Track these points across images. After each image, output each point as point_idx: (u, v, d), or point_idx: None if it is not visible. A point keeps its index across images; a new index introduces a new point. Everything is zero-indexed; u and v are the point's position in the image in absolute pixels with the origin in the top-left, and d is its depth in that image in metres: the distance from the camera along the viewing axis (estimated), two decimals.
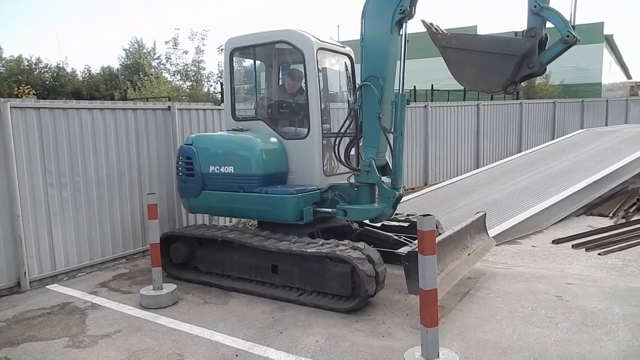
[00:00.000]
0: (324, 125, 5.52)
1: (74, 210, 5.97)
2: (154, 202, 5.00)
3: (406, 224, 5.85)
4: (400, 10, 4.65)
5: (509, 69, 4.18)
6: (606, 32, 28.23)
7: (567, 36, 3.97)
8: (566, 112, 16.50)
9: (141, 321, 4.54)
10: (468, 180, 10.16)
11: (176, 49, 21.20)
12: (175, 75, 22.51)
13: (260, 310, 4.72)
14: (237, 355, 3.82)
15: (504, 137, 14.14)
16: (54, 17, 63.61)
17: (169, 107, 7.15)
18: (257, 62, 6.14)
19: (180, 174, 5.86)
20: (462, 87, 17.99)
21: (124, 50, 37.63)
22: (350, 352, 3.81)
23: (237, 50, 5.93)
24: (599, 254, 6.21)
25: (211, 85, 22.73)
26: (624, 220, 7.88)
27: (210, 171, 5.56)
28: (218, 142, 5.77)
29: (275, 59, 6.29)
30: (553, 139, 14.33)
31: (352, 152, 5.43)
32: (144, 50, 37.24)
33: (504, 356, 3.66)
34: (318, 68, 5.34)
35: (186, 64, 21.50)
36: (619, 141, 11.54)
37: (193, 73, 21.69)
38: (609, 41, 29.68)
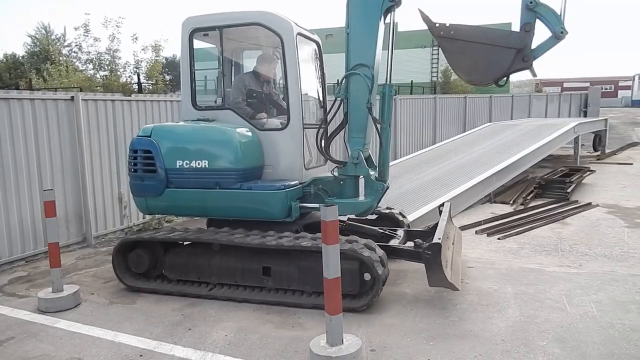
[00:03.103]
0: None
1: None
2: (52, 198, 4.69)
3: (374, 217, 5.65)
4: None
5: (507, 62, 4.24)
6: None
7: (561, 32, 4.10)
8: (476, 107, 17.54)
9: (38, 326, 4.26)
10: None
11: (87, 36, 19.95)
12: (87, 65, 21.19)
13: (169, 307, 4.60)
14: (141, 356, 3.70)
15: (420, 130, 14.76)
16: None
17: (72, 97, 6.72)
18: (217, 45, 5.46)
19: (135, 170, 5.09)
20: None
21: (30, 36, 34.91)
22: (259, 345, 3.82)
23: (198, 31, 5.29)
24: (499, 239, 6.70)
25: (129, 76, 21.65)
26: (522, 207, 8.55)
27: (177, 166, 4.90)
28: (186, 134, 5.14)
29: (235, 43, 5.77)
30: (464, 131, 15.20)
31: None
32: (53, 37, 34.73)
33: (406, 338, 3.85)
34: (298, 54, 4.98)
35: (99, 53, 20.30)
36: (521, 134, 12.48)
37: (107, 62, 20.51)
38: None
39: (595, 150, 15.92)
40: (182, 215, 6.35)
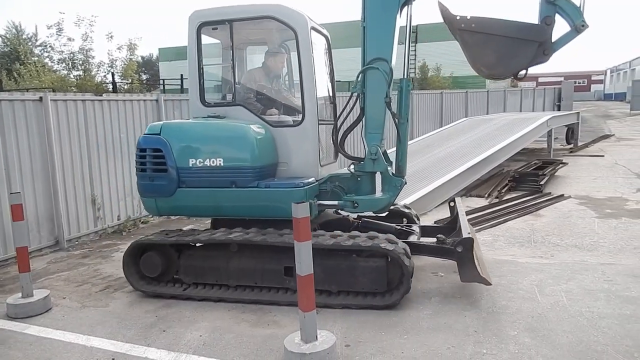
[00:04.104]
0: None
1: None
2: (19, 202, 4.58)
3: (384, 213, 5.47)
4: None
5: (529, 55, 4.21)
6: None
7: (582, 25, 4.09)
8: (452, 102, 17.74)
9: (6, 333, 4.16)
10: None
11: (60, 35, 19.53)
12: (60, 64, 20.76)
13: (143, 309, 4.54)
14: (113, 359, 3.65)
15: None
16: None
17: (41, 97, 6.56)
18: (227, 40, 5.19)
19: (144, 170, 4.86)
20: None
21: (0, 36, 34.08)
22: (234, 344, 3.80)
23: (207, 25, 5.06)
24: None
25: (103, 76, 21.26)
26: (497, 200, 8.67)
27: (190, 165, 4.70)
28: (199, 131, 4.89)
29: (243, 37, 5.50)
30: (441, 126, 15.34)
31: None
32: (24, 36, 33.93)
33: (381, 332, 3.87)
34: (312, 48, 4.85)
35: (72, 52, 19.90)
36: (496, 128, 12.66)
37: (80, 62, 20.12)
38: None
39: (568, 143, 16.24)
40: (194, 216, 6.02)
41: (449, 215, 6.08)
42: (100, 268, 5.82)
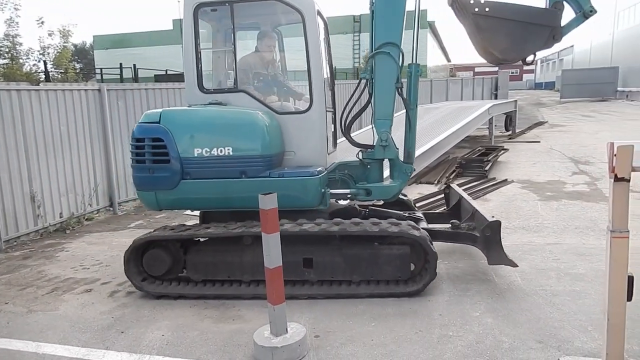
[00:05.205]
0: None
1: None
2: None
3: (381, 202, 5.36)
4: None
5: (542, 40, 4.26)
6: (429, 19, 31.45)
7: (590, 11, 4.15)
8: None
9: None
10: None
11: None
12: None
13: (97, 311, 4.30)
14: None
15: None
16: None
17: None
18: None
19: (141, 161, 4.52)
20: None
21: None
22: (199, 341, 3.68)
23: (204, 6, 4.75)
24: None
25: (33, 64, 19.96)
26: (445, 186, 8.92)
27: (195, 155, 4.41)
28: (205, 118, 4.60)
29: (239, 20, 5.12)
30: None
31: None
32: None
33: (348, 321, 3.88)
34: (319, 32, 4.65)
35: None
36: (441, 116, 13.00)
37: (7, 49, 18.75)
38: (432, 27, 33.26)
39: (507, 130, 16.99)
40: (199, 209, 5.52)
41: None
42: (44, 269, 5.46)
